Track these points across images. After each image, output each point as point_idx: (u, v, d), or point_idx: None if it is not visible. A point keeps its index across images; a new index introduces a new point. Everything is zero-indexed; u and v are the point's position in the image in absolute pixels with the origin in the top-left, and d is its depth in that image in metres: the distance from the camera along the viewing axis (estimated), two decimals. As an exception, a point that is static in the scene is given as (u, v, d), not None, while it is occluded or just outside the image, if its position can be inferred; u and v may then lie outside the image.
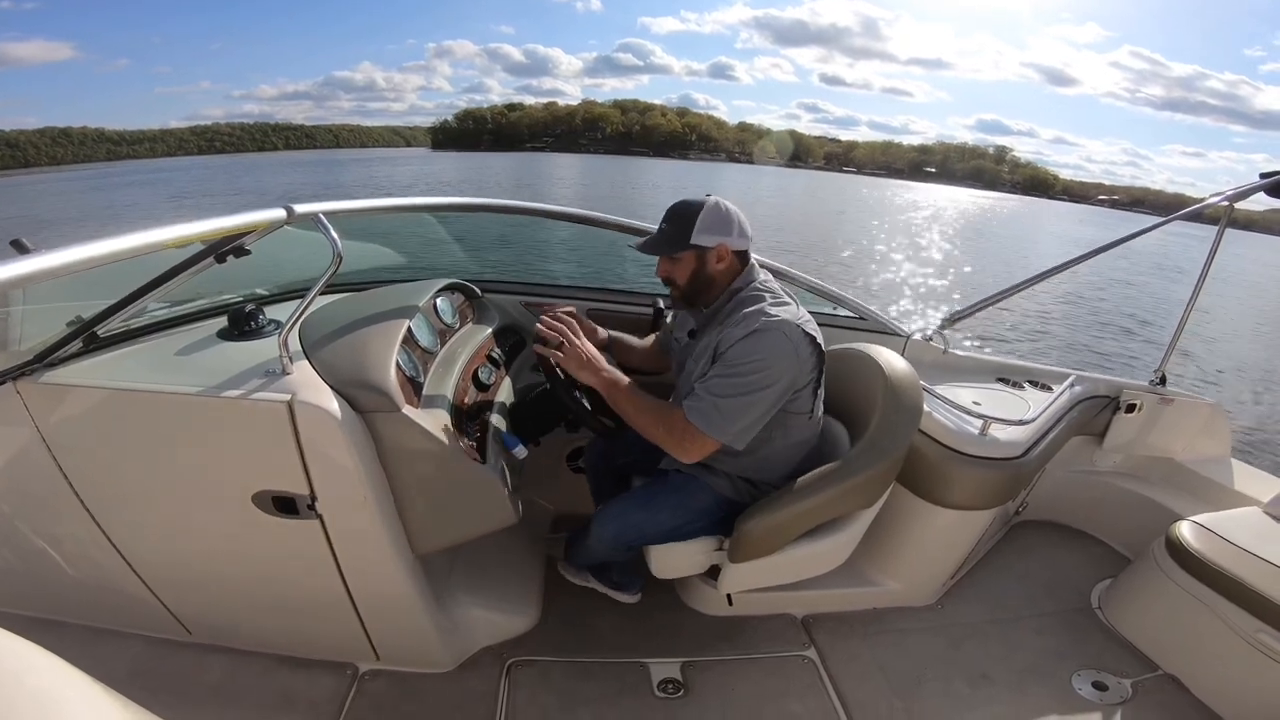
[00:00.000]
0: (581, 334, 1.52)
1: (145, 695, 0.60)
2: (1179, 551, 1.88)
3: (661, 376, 1.84)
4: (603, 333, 1.81)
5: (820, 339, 1.49)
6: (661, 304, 2.14)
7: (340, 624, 1.61)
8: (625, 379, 1.49)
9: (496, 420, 1.58)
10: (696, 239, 1.45)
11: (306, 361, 1.36)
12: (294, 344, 1.38)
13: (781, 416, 1.51)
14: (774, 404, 1.43)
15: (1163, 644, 1.93)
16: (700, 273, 1.50)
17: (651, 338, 1.94)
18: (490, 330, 1.89)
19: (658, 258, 1.54)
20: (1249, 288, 21.29)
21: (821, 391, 1.59)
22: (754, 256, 1.56)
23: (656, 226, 1.75)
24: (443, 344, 1.71)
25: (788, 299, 1.51)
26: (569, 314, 1.61)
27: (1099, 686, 1.82)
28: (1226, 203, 2.16)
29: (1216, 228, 2.28)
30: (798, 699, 1.76)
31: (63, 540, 1.56)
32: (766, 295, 1.49)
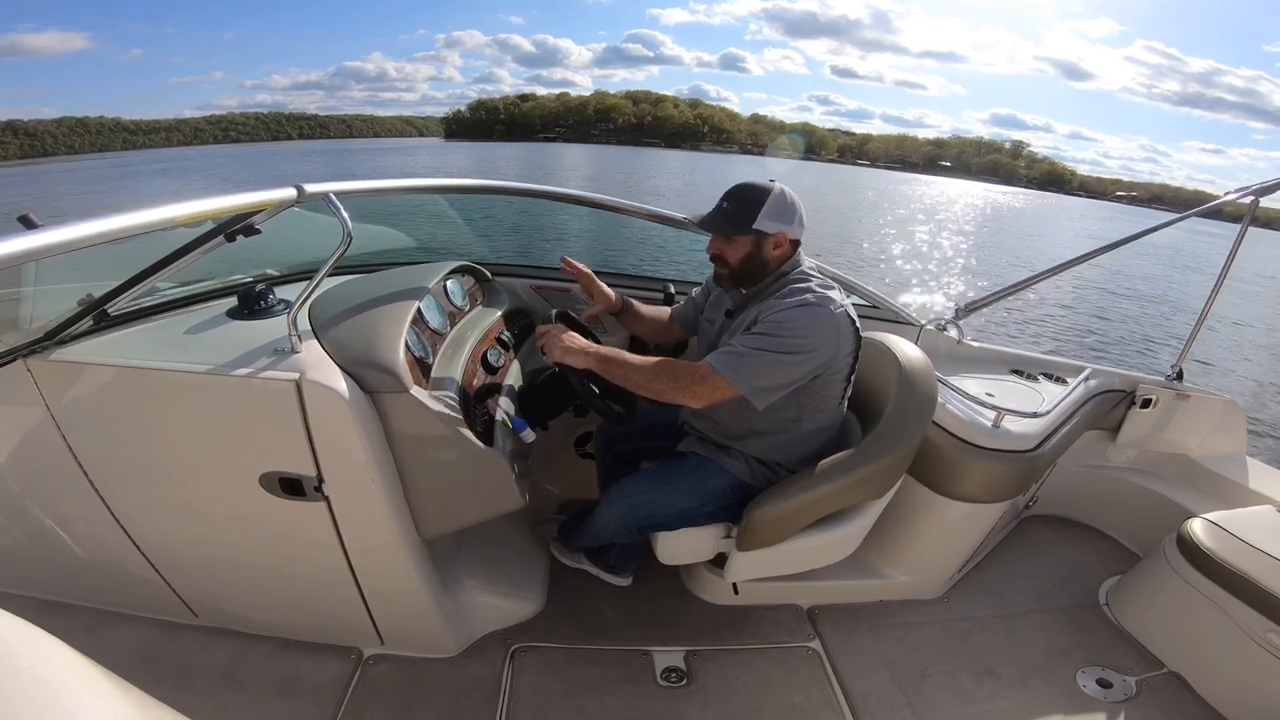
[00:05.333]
0: (564, 326, 1.53)
1: (150, 678, 0.60)
2: (1190, 549, 1.86)
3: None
4: (614, 295, 1.81)
5: (859, 327, 1.49)
6: (672, 289, 2.13)
7: (345, 608, 1.61)
8: (615, 349, 1.49)
9: (504, 403, 1.58)
10: (760, 224, 1.46)
11: (315, 341, 1.36)
12: (303, 323, 1.39)
13: (812, 399, 1.52)
14: (801, 377, 1.43)
15: (1169, 642, 1.91)
16: (755, 257, 1.50)
17: (665, 310, 1.93)
18: (500, 313, 1.88)
19: (709, 235, 1.55)
20: (1271, 284, 20.93)
21: (853, 379, 1.58)
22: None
23: (664, 210, 1.71)
24: (452, 326, 1.71)
25: (834, 284, 1.51)
26: (580, 272, 1.77)
27: (1103, 684, 1.81)
28: (1250, 198, 2.12)
29: (1238, 225, 2.23)
30: (801, 690, 1.76)
31: (70, 520, 1.57)
32: (814, 278, 1.50)
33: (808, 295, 1.42)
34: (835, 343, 1.43)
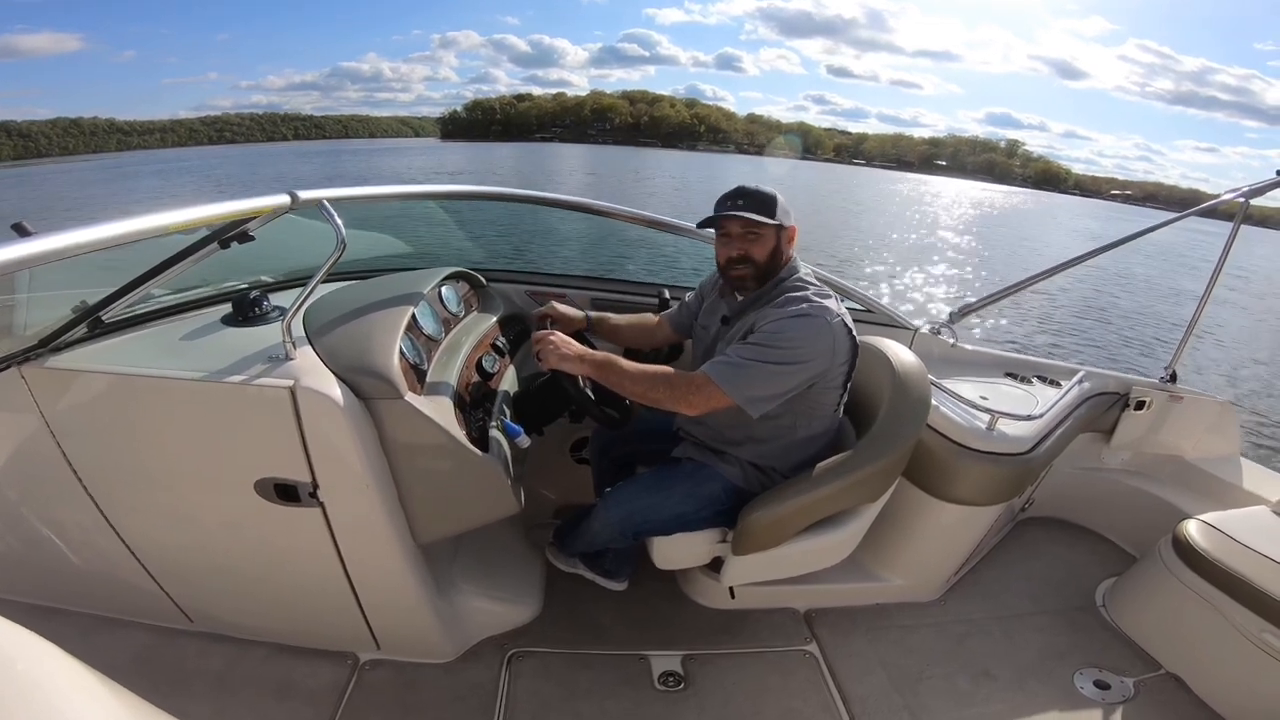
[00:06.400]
0: (558, 331, 1.53)
1: (146, 683, 0.60)
2: (1186, 550, 1.86)
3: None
4: (580, 314, 1.81)
5: (856, 335, 1.50)
6: (667, 294, 2.13)
7: (341, 613, 1.61)
8: (612, 356, 1.49)
9: (500, 409, 1.58)
10: (780, 217, 1.48)
11: (310, 348, 1.36)
12: (297, 330, 1.38)
13: (807, 406, 1.53)
14: (796, 387, 1.44)
15: (1166, 643, 1.92)
16: (778, 250, 1.52)
17: (649, 317, 1.93)
18: (495, 319, 1.88)
19: (713, 248, 1.58)
20: (1265, 284, 21.00)
21: (849, 386, 1.59)
22: None
23: (665, 217, 1.69)
24: (447, 332, 1.71)
25: (830, 293, 1.52)
26: (542, 314, 1.74)
27: (1101, 685, 1.81)
28: (1243, 198, 2.12)
29: (1231, 224, 2.24)
30: (798, 694, 1.76)
31: (66, 527, 1.57)
32: (810, 286, 1.51)
33: (804, 305, 1.43)
34: (831, 353, 1.43)
